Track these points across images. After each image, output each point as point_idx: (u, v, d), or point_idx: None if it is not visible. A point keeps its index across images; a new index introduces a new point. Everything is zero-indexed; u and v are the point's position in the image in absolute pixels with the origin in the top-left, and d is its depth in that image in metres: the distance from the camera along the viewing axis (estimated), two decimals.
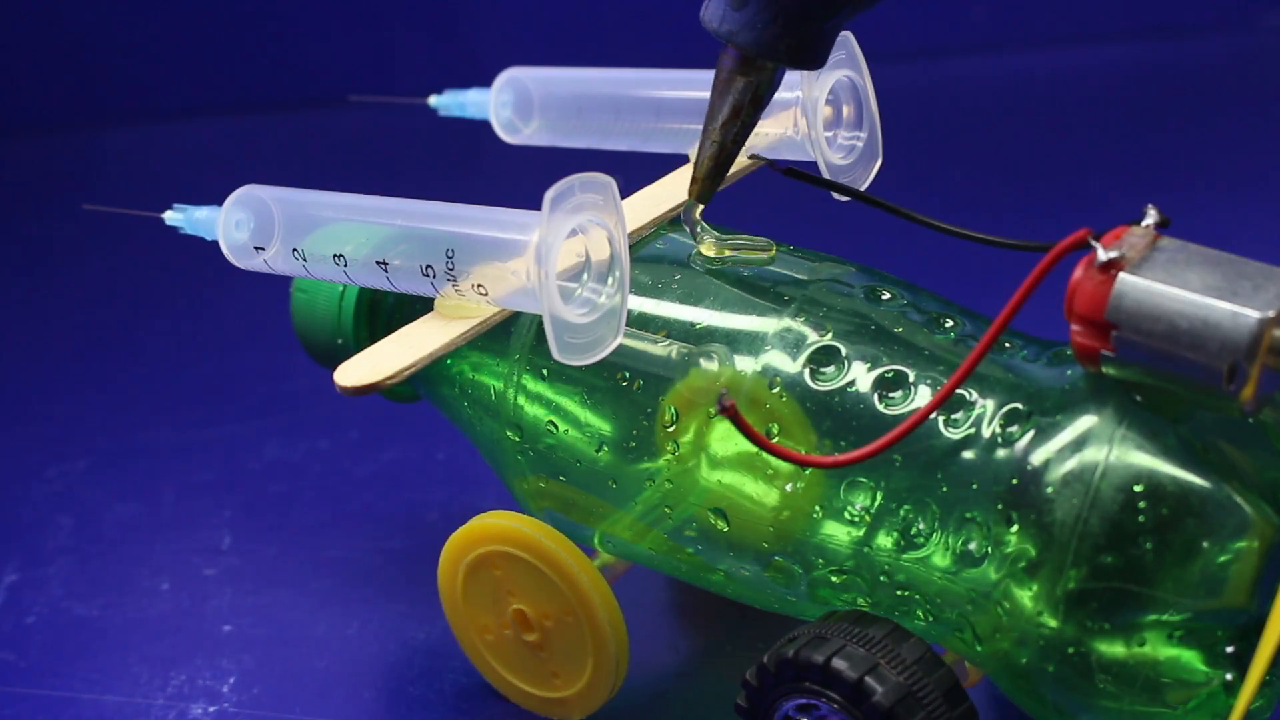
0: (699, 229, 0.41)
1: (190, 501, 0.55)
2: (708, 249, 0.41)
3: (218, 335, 0.67)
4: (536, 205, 0.36)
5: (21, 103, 0.86)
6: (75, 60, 0.86)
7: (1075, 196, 0.72)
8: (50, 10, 0.86)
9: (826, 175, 0.42)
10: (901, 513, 0.37)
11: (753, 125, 0.39)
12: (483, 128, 0.49)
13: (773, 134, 0.43)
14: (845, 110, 0.43)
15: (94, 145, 0.85)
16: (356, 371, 0.39)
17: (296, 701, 0.45)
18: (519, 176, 0.37)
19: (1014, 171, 0.76)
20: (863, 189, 0.43)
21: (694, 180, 0.40)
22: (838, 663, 0.36)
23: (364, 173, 0.77)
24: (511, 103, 0.48)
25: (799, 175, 0.38)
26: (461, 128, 0.51)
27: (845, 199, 0.42)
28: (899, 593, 0.38)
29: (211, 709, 0.45)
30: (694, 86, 0.44)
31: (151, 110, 0.87)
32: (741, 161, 0.45)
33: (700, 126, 0.40)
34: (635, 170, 0.45)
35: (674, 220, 0.43)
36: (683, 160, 0.45)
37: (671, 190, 0.44)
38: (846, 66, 0.43)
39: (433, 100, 0.49)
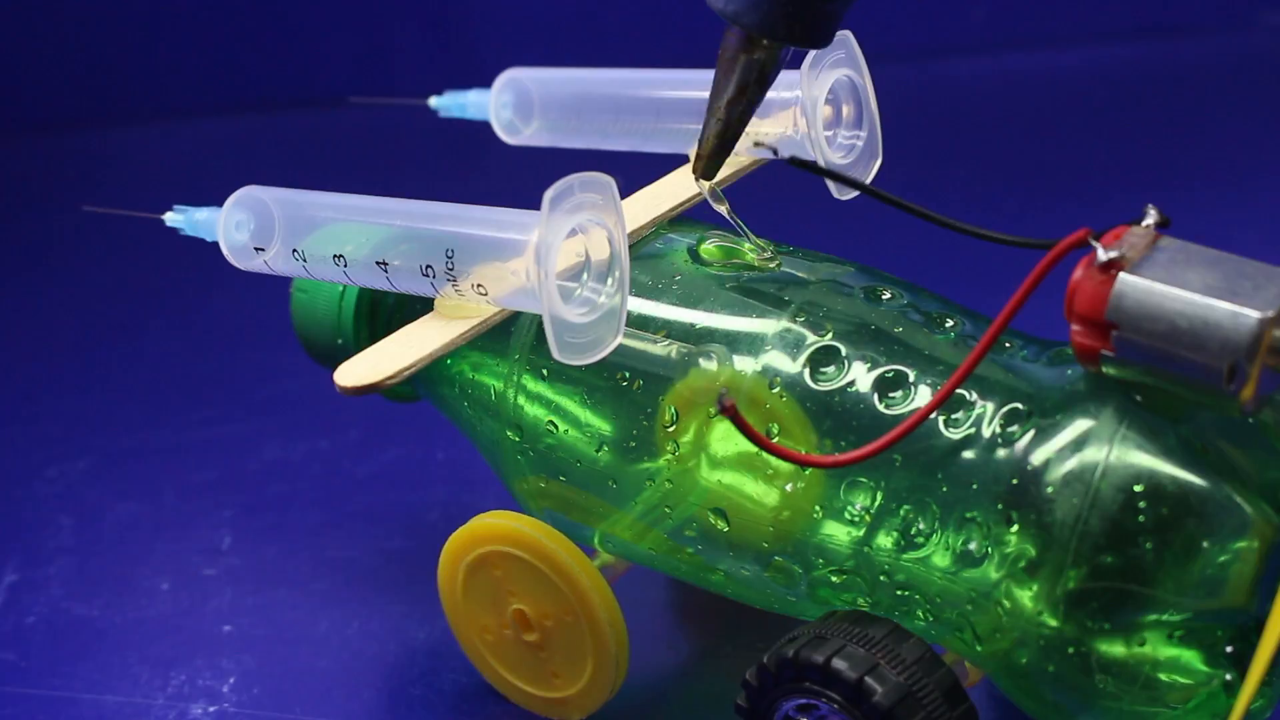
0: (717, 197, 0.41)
1: (190, 501, 0.56)
2: (709, 253, 0.41)
3: (218, 335, 0.67)
4: (537, 205, 0.36)
5: (21, 103, 0.86)
6: (75, 60, 0.86)
7: (1075, 196, 0.72)
8: (50, 10, 0.86)
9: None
10: (902, 513, 0.37)
11: (757, 103, 0.39)
12: (483, 128, 0.49)
13: (773, 133, 0.43)
14: (845, 110, 0.43)
15: (95, 145, 0.85)
16: (356, 371, 0.39)
17: (296, 701, 0.45)
18: (520, 177, 0.37)
19: (1013, 171, 0.76)
20: None
21: (698, 157, 0.40)
22: (838, 663, 0.36)
23: (365, 173, 0.77)
24: (512, 103, 0.48)
25: (804, 165, 0.38)
26: (462, 128, 0.51)
27: (845, 197, 0.42)
28: (899, 593, 0.38)
29: (212, 709, 0.45)
30: (693, 87, 0.44)
31: (152, 110, 0.87)
32: (743, 161, 0.45)
33: (699, 126, 0.40)
34: (636, 170, 0.45)
35: (674, 220, 0.43)
36: (683, 160, 0.45)
37: (671, 190, 0.44)
38: (846, 66, 0.43)
39: (433, 101, 0.49)
